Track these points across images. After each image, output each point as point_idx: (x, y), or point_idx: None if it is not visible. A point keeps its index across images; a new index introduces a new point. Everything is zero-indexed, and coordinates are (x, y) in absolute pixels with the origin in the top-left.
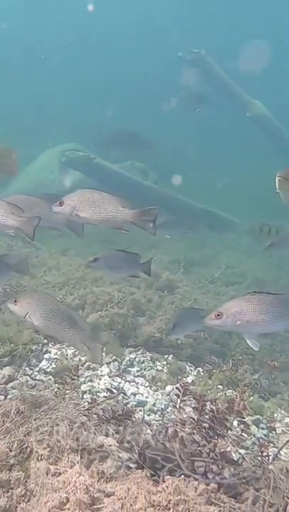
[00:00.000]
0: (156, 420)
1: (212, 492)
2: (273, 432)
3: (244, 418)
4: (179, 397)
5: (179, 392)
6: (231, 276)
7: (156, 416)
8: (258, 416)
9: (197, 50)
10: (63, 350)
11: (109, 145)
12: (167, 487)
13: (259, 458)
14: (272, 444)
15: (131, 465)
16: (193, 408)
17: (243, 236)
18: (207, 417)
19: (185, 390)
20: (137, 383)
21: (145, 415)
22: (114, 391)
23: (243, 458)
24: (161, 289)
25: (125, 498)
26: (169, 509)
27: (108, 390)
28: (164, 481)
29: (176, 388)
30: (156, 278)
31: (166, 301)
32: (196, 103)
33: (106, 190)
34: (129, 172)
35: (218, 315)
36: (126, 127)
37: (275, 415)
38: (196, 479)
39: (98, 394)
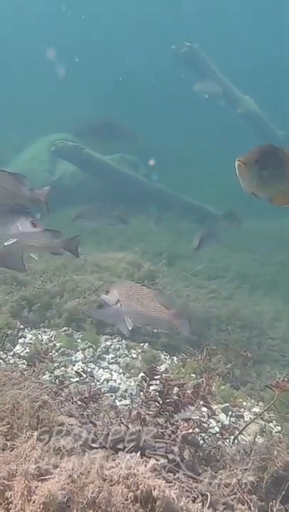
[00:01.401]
0: (126, 405)
1: (163, 468)
2: (241, 419)
3: (209, 403)
4: (146, 381)
5: (146, 377)
6: (215, 270)
7: (127, 401)
8: (227, 404)
9: (190, 43)
10: (39, 335)
11: (86, 133)
12: (119, 463)
13: (220, 441)
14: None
15: (93, 445)
16: (158, 392)
17: (230, 231)
18: (172, 400)
19: (153, 374)
20: (111, 370)
21: (116, 401)
22: (83, 374)
23: (204, 441)
24: (142, 279)
25: (73, 469)
26: (119, 483)
27: (77, 373)
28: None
29: (144, 372)
30: (138, 268)
31: None
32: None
33: (95, 180)
34: (120, 164)
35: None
36: (105, 117)
37: (244, 403)
38: (156, 460)
39: (71, 379)
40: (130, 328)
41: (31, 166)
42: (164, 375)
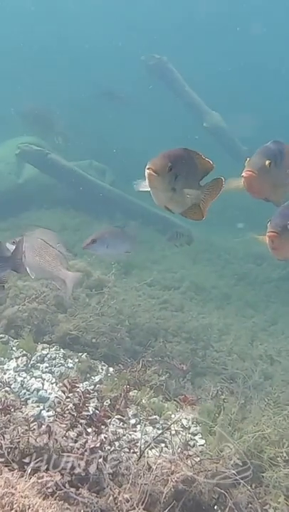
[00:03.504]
0: (50, 416)
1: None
2: (168, 432)
3: (123, 416)
4: (64, 393)
5: (65, 389)
6: (170, 281)
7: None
8: (156, 416)
9: (159, 55)
10: None
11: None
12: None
13: (126, 455)
14: (160, 445)
15: None
16: (74, 405)
17: (191, 242)
18: (87, 414)
19: (72, 386)
20: (44, 379)
21: (44, 411)
22: (0, 384)
23: (115, 454)
24: (90, 288)
25: None
26: None
27: None
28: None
29: (64, 384)
30: (88, 277)
31: (93, 300)
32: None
33: (60, 186)
34: (87, 171)
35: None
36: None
37: (173, 416)
38: (61, 474)
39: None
40: (33, 277)
41: None
42: (101, 387)
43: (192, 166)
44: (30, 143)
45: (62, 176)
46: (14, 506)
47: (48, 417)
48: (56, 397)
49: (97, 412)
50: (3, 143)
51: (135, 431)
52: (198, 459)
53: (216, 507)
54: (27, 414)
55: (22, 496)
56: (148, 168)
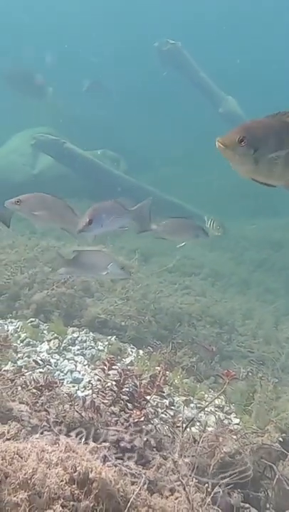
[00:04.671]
0: (88, 395)
1: (105, 449)
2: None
3: (163, 392)
4: (104, 371)
5: (104, 366)
6: (190, 267)
7: (89, 392)
8: (190, 397)
9: (173, 41)
10: (5, 325)
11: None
12: (60, 446)
13: (171, 429)
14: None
15: (45, 433)
16: (115, 381)
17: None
18: (128, 390)
19: (111, 364)
20: (76, 361)
21: (79, 392)
22: (40, 362)
23: (156, 429)
24: None
25: (6, 451)
26: (57, 465)
27: (35, 361)
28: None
29: (102, 362)
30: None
31: (118, 285)
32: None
33: (75, 175)
34: (101, 160)
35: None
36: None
37: (206, 396)
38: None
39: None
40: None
41: (12, 159)
42: (132, 368)
43: (283, 134)
44: (45, 133)
45: (78, 165)
46: (78, 469)
47: (86, 395)
48: (96, 374)
49: (137, 389)
50: (16, 135)
51: (172, 409)
52: (243, 432)
53: (261, 481)
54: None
55: (84, 459)
56: (218, 141)
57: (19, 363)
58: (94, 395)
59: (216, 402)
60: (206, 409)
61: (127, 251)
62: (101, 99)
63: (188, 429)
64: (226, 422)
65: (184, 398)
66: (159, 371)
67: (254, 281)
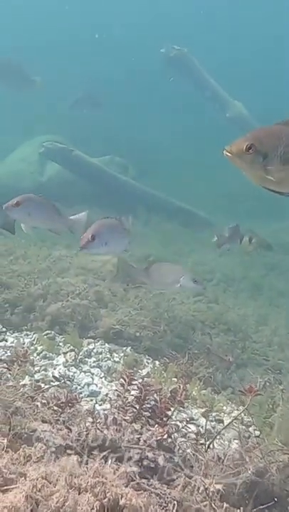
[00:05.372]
0: (106, 410)
1: (134, 475)
2: (221, 424)
3: (184, 408)
4: (123, 387)
5: (124, 382)
6: (202, 273)
7: (108, 406)
8: (208, 408)
9: (179, 47)
10: (20, 338)
11: None
12: (89, 470)
13: (194, 446)
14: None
15: (68, 451)
16: (135, 397)
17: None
18: (149, 406)
19: (130, 379)
20: (93, 374)
21: (97, 405)
22: (61, 378)
23: (179, 446)
24: (127, 282)
25: (38, 478)
26: (86, 491)
27: (54, 377)
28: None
29: (122, 378)
30: None
31: (130, 294)
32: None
33: (83, 183)
34: (109, 167)
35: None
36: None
37: (225, 408)
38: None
39: (51, 382)
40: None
41: (20, 167)
42: (141, 380)
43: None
44: (53, 141)
45: (87, 173)
46: (108, 495)
47: (104, 410)
48: (116, 390)
49: (158, 404)
50: (23, 144)
51: (193, 423)
52: (268, 449)
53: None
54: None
55: (113, 485)
56: (226, 150)
57: (36, 376)
58: (115, 411)
59: (234, 414)
60: (224, 422)
61: (137, 257)
62: (90, 112)
63: (211, 445)
64: (246, 434)
65: (203, 410)
66: (180, 386)
67: (266, 285)
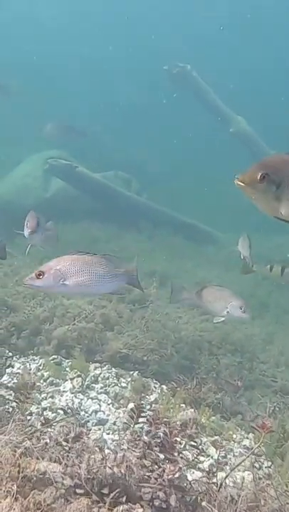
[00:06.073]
0: (114, 440)
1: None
2: (230, 453)
3: (195, 442)
4: (133, 419)
5: (133, 414)
6: None
7: (116, 436)
8: (217, 437)
9: (182, 64)
10: (27, 364)
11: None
12: None
13: (206, 485)
14: (225, 467)
15: (77, 491)
16: (145, 431)
17: (223, 249)
18: (158, 440)
19: (139, 411)
20: (100, 400)
21: (104, 434)
22: (69, 411)
23: (191, 485)
24: (133, 302)
25: None
26: None
27: (62, 410)
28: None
29: (131, 410)
30: (129, 291)
31: (137, 315)
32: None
33: (87, 199)
34: (112, 182)
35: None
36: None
37: (234, 436)
38: (141, 506)
39: (58, 411)
40: None
41: (25, 182)
42: (150, 412)
43: None
44: (58, 157)
45: (91, 189)
46: None
47: (112, 441)
48: (125, 423)
49: (168, 438)
50: (27, 158)
51: (203, 455)
52: (284, 488)
53: None
54: (95, 440)
55: None
56: (237, 181)
57: (43, 404)
58: (124, 447)
59: (244, 442)
60: (235, 450)
61: (142, 274)
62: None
63: (223, 483)
64: (256, 465)
65: (212, 439)
66: (190, 419)
67: (272, 302)
